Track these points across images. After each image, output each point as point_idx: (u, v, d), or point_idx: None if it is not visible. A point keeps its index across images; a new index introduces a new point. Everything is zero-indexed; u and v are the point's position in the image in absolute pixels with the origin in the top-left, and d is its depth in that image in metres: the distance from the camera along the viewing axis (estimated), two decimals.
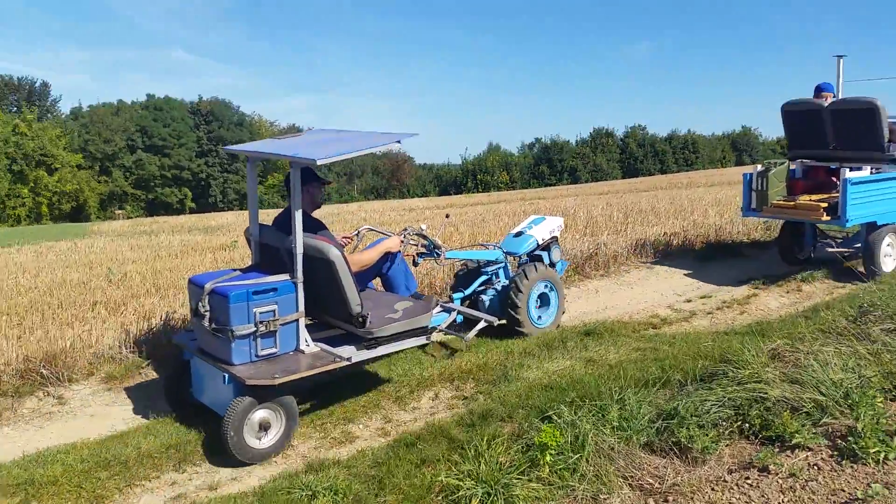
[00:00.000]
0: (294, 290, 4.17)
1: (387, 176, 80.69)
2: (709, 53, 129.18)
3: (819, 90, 7.66)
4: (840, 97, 7.83)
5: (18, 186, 46.74)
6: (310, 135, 5.19)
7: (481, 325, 5.33)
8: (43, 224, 42.53)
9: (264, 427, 3.97)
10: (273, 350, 4.11)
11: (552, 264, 6.11)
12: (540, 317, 5.76)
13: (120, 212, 51.98)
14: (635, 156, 68.98)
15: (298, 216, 4.13)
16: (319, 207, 4.83)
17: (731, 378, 3.70)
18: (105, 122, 55.47)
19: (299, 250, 4.16)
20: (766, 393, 3.43)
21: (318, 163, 3.93)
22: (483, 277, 5.92)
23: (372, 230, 5.45)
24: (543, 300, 5.80)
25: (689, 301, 6.88)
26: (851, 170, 7.05)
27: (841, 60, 8.21)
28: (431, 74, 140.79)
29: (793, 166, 7.83)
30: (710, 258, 8.68)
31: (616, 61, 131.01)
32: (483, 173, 74.55)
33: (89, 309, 6.70)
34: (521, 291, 5.53)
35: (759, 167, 7.67)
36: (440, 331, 5.40)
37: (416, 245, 5.25)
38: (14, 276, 10.41)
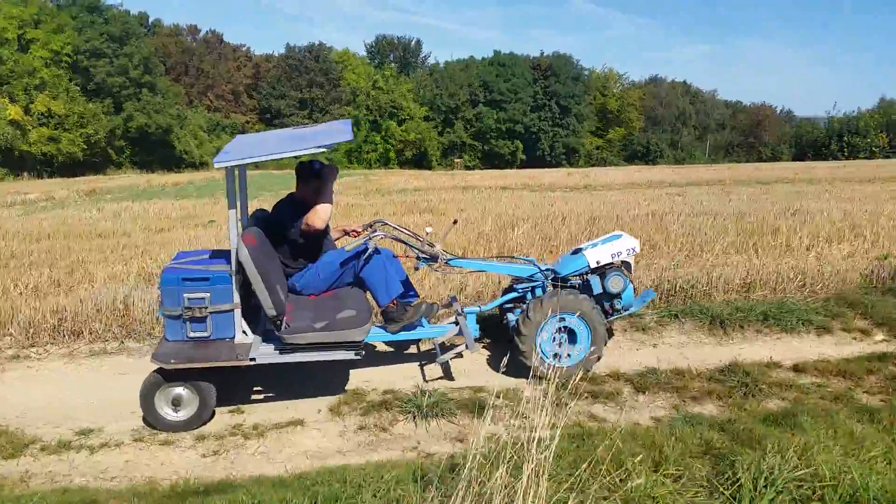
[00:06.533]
0: (229, 282, 4.39)
1: (745, 131, 72.88)
2: None
3: None
4: None
5: (373, 134, 55.02)
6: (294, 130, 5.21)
7: (460, 348, 4.86)
8: (390, 168, 49.40)
9: (177, 402, 4.37)
10: (204, 334, 4.40)
11: (608, 295, 5.05)
12: (558, 355, 4.79)
13: (458, 160, 57.29)
14: None
15: (232, 215, 4.32)
16: (303, 197, 4.83)
17: None
18: (453, 77, 60.96)
19: (233, 245, 4.36)
20: None
21: (216, 166, 4.15)
22: (512, 294, 5.28)
23: (387, 224, 5.04)
24: (571, 336, 4.88)
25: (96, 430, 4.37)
26: None
27: None
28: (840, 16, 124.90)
29: None
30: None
31: None
32: (852, 134, 63.54)
33: None
34: (529, 318, 4.75)
35: None
36: (434, 343, 5.17)
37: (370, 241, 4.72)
38: None
